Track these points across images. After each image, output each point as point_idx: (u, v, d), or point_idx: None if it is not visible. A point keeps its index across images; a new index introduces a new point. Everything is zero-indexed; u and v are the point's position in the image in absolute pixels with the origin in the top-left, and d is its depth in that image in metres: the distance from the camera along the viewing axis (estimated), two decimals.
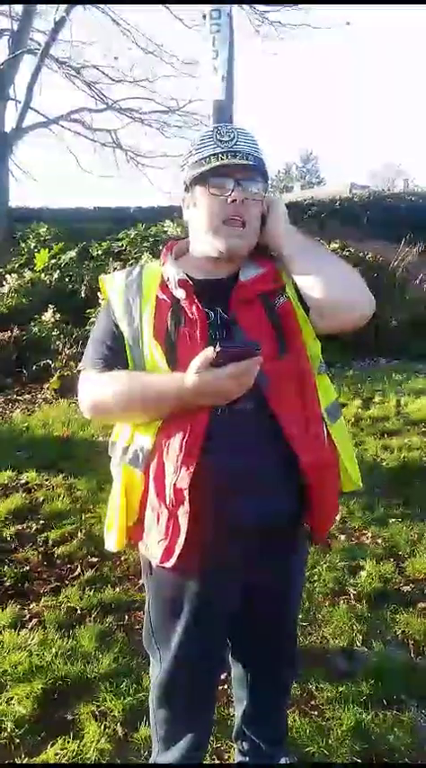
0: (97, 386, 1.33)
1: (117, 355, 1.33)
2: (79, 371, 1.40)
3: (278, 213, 1.38)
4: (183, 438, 1.22)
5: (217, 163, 1.28)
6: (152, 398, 1.25)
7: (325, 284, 1.29)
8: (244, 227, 1.31)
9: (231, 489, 1.24)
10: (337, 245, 7.95)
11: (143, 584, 2.64)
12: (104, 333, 1.36)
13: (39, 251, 7.57)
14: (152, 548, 1.30)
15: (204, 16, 2.55)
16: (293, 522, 1.36)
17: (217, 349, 1.12)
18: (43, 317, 6.49)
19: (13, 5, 11.83)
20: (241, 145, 1.30)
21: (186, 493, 1.21)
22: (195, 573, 1.32)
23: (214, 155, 1.29)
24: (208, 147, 1.30)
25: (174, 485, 1.22)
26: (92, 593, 2.66)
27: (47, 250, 7.59)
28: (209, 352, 1.14)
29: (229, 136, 1.30)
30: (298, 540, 1.44)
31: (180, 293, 1.29)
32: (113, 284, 1.38)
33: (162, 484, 1.25)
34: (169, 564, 1.25)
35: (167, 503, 1.24)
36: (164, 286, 1.33)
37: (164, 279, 1.34)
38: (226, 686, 2.01)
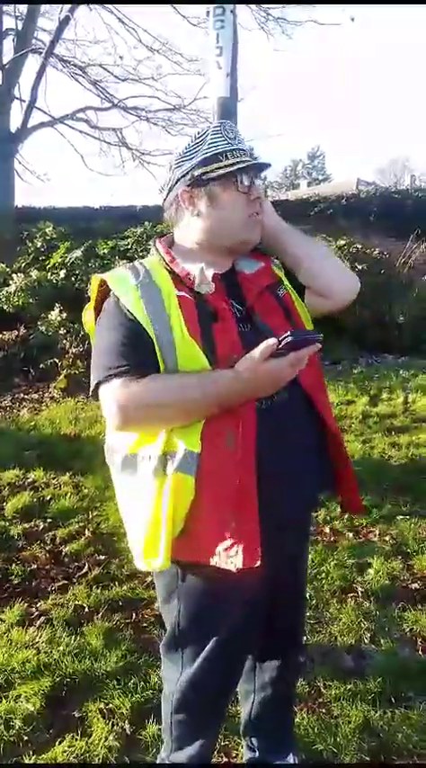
0: (146, 392, 1.22)
1: (148, 357, 1.24)
2: (100, 382, 1.27)
3: (269, 207, 1.45)
4: (237, 435, 1.22)
5: (248, 162, 1.33)
6: (206, 398, 1.21)
7: (323, 268, 1.44)
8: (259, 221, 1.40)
9: (287, 479, 1.28)
10: (344, 242, 7.90)
11: (151, 582, 2.66)
12: (128, 337, 1.26)
13: (45, 250, 7.58)
14: (222, 555, 1.22)
15: (208, 13, 2.55)
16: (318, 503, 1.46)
17: (288, 339, 1.16)
18: (50, 317, 6.49)
19: (18, 5, 11.87)
20: (243, 143, 1.36)
21: (253, 489, 1.21)
22: (254, 571, 1.23)
23: (230, 151, 1.32)
24: (221, 143, 1.32)
25: (239, 483, 1.21)
26: (99, 591, 2.66)
27: (64, 246, 7.59)
28: (271, 343, 1.17)
29: (233, 133, 1.36)
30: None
31: (206, 288, 1.30)
32: (122, 285, 1.30)
33: (223, 485, 1.22)
34: (257, 564, 1.19)
35: (235, 503, 1.22)
36: (178, 283, 1.30)
37: (178, 275, 1.31)
38: None
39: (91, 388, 1.30)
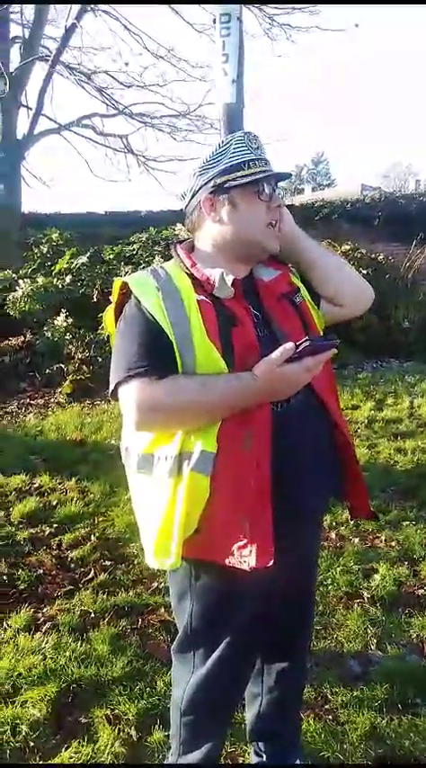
0: (165, 393, 1.24)
1: (167, 359, 1.26)
2: (119, 383, 1.28)
3: (288, 216, 1.47)
4: (253, 437, 1.25)
5: (271, 172, 1.36)
6: (224, 400, 1.24)
7: (337, 277, 1.50)
8: (279, 229, 1.43)
9: (300, 481, 1.31)
10: (348, 247, 7.90)
11: (157, 588, 2.67)
12: (148, 338, 1.27)
13: (51, 256, 7.60)
14: (236, 555, 1.24)
15: (214, 20, 2.57)
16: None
17: (306, 344, 1.19)
18: (56, 322, 6.52)
19: (24, 14, 11.98)
20: (264, 153, 1.38)
21: (267, 490, 1.23)
22: (267, 571, 1.24)
23: (253, 161, 1.35)
24: (244, 152, 1.35)
25: (254, 484, 1.23)
26: (105, 597, 2.66)
27: (70, 252, 7.63)
28: (289, 347, 1.19)
29: (257, 143, 1.39)
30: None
31: (225, 293, 1.31)
32: (143, 287, 1.32)
33: (238, 486, 1.24)
34: (270, 563, 1.21)
35: (249, 504, 1.24)
36: (197, 287, 1.32)
37: (198, 280, 1.33)
38: None
39: (110, 389, 1.32)
